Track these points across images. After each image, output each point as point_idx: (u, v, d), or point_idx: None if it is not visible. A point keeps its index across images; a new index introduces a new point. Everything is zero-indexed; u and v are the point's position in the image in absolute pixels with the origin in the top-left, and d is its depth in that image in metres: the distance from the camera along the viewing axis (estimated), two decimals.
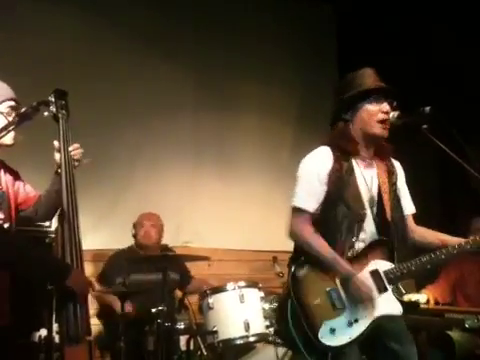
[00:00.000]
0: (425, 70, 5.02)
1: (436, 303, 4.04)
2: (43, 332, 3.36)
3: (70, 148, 2.59)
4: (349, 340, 2.41)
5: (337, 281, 2.49)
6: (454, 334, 3.77)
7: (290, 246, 5.73)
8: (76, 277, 2.42)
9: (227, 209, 5.41)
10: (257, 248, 5.46)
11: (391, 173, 2.66)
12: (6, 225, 2.47)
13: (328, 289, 2.47)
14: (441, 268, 4.20)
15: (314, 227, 2.53)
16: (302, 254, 2.54)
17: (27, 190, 2.67)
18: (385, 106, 2.55)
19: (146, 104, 5.07)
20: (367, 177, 2.59)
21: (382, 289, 2.49)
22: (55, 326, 2.45)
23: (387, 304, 2.49)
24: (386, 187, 2.60)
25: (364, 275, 2.48)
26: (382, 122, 2.55)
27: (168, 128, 5.17)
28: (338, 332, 2.40)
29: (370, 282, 2.48)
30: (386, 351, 2.53)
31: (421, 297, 3.95)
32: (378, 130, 2.55)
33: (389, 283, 2.51)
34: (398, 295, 2.53)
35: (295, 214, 2.57)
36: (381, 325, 2.49)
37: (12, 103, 2.53)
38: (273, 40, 5.84)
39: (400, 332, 2.57)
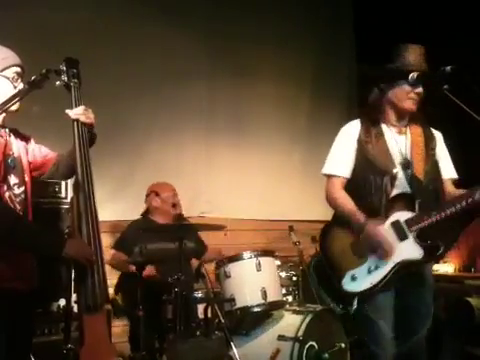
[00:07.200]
0: None
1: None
2: (62, 302, 3.42)
3: (76, 110, 2.55)
4: (370, 285, 2.60)
5: (360, 235, 2.65)
6: (473, 300, 3.76)
7: (306, 215, 5.72)
8: (73, 246, 2.37)
9: (243, 178, 5.39)
10: (273, 217, 5.46)
11: (429, 139, 2.79)
12: (21, 189, 2.44)
13: (352, 242, 2.70)
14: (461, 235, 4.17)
15: (350, 190, 2.74)
16: (334, 220, 2.82)
17: (43, 152, 2.63)
18: (420, 90, 2.70)
19: (161, 72, 5.01)
20: (399, 141, 2.76)
21: (402, 237, 2.62)
22: (74, 296, 2.46)
23: (407, 250, 2.61)
24: (420, 150, 2.74)
25: (380, 225, 2.62)
26: (413, 99, 2.72)
27: (183, 96, 5.13)
28: (359, 279, 2.63)
29: (385, 231, 2.61)
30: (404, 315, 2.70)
31: (448, 268, 3.96)
32: (407, 105, 2.72)
33: (410, 231, 2.62)
34: (421, 241, 2.61)
35: (327, 181, 2.84)
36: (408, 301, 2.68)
37: (18, 69, 2.47)
38: (288, 6, 5.75)
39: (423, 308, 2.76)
